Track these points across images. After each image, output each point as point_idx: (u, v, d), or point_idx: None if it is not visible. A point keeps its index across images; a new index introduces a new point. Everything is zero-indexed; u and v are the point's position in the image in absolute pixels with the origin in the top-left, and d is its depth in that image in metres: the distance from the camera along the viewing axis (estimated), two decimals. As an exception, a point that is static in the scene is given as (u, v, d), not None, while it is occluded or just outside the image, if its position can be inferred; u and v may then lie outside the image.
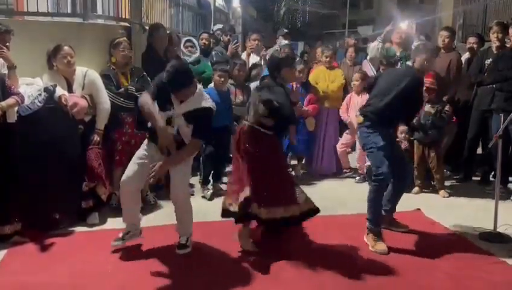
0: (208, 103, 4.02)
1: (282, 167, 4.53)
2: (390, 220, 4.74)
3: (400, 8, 36.77)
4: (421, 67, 4.41)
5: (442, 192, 5.89)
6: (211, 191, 5.74)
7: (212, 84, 5.84)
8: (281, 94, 4.18)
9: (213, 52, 7.17)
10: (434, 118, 5.73)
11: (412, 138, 5.97)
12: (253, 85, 6.33)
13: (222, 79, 5.76)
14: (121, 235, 4.18)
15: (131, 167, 4.07)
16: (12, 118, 4.23)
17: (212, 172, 5.90)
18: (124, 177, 4.07)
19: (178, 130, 3.96)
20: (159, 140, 3.93)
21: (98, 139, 4.80)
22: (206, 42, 7.19)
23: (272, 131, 4.22)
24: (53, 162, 4.47)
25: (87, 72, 4.78)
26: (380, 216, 4.45)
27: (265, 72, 6.18)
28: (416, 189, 5.95)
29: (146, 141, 4.15)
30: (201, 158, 5.81)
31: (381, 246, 4.25)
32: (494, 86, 5.85)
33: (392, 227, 4.73)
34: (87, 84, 4.75)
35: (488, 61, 6.12)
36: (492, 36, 6.18)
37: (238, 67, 6.15)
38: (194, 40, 6.75)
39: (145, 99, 3.97)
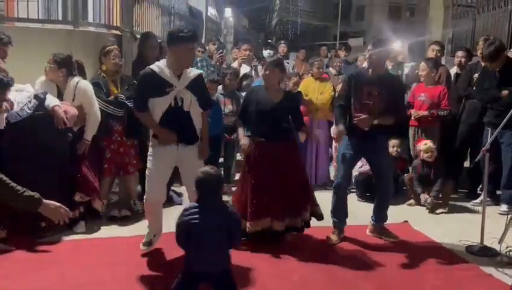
0: (197, 70, 4.24)
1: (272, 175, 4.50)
2: (381, 229, 4.82)
3: (391, 21, 37.22)
4: None
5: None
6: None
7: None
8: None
9: (198, 59, 7.19)
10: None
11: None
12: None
13: (212, 90, 5.76)
14: (148, 239, 4.24)
15: (157, 184, 4.10)
16: (1, 124, 4.20)
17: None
18: (151, 195, 4.11)
19: (190, 109, 3.98)
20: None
21: (84, 148, 4.76)
22: (197, 51, 7.19)
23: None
24: (40, 170, 4.43)
25: (79, 83, 4.74)
26: (338, 217, 4.76)
27: (256, 82, 6.24)
28: (411, 201, 5.98)
29: (154, 151, 4.08)
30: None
31: (333, 237, 4.65)
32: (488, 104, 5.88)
33: (382, 236, 4.78)
34: (77, 95, 4.72)
35: (476, 76, 6.19)
36: (479, 52, 6.29)
37: (229, 77, 6.15)
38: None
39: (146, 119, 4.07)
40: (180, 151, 4.05)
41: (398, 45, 7.88)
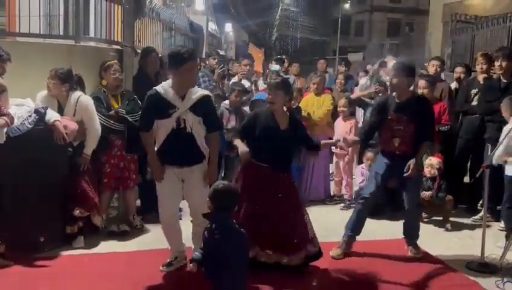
0: (204, 90, 4.13)
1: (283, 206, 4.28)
2: (414, 246, 4.84)
3: (390, 36, 37.44)
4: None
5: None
6: (200, 215, 5.68)
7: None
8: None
9: (199, 74, 7.22)
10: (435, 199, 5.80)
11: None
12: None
13: (216, 105, 5.79)
14: (169, 260, 4.20)
15: (168, 203, 4.12)
16: (1, 138, 4.20)
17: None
18: (164, 214, 4.14)
19: (192, 130, 3.95)
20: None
21: (84, 163, 4.75)
22: (198, 67, 7.22)
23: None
24: (40, 184, 4.43)
25: (80, 98, 4.74)
26: (353, 230, 4.75)
27: (256, 97, 6.25)
28: None
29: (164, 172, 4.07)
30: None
31: (335, 252, 4.67)
32: (484, 116, 5.89)
33: (410, 251, 4.82)
34: (78, 110, 4.72)
35: (473, 91, 6.21)
36: (478, 67, 6.33)
37: (236, 93, 6.16)
38: (185, 64, 6.78)
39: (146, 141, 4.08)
40: (184, 171, 4.05)
41: (391, 63, 7.93)
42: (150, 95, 4.00)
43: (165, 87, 3.96)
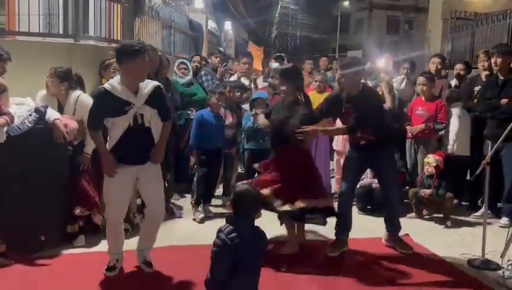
0: (154, 82, 4.00)
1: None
2: (395, 239, 4.85)
3: (389, 33, 37.39)
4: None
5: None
6: (202, 214, 5.67)
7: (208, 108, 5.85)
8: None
9: (202, 72, 7.21)
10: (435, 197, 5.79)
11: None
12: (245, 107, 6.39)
13: (220, 102, 5.79)
14: (112, 264, 4.08)
15: (116, 204, 3.99)
16: (1, 138, 4.19)
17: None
18: (113, 214, 4.03)
19: (150, 124, 3.87)
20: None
21: (85, 163, 4.74)
22: (198, 65, 7.25)
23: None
24: (40, 183, 4.43)
25: (80, 97, 4.74)
26: (341, 226, 4.72)
27: (256, 94, 6.24)
28: (412, 214, 5.96)
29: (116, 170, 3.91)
30: (194, 179, 5.78)
31: (329, 250, 4.66)
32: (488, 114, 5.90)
33: (396, 246, 4.80)
34: (78, 109, 4.71)
35: (477, 88, 6.21)
36: (480, 64, 6.32)
37: (229, 89, 6.15)
38: (187, 62, 6.80)
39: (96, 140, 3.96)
40: (139, 169, 3.94)
41: (381, 62, 7.94)
42: (100, 93, 3.87)
43: (113, 84, 3.80)
